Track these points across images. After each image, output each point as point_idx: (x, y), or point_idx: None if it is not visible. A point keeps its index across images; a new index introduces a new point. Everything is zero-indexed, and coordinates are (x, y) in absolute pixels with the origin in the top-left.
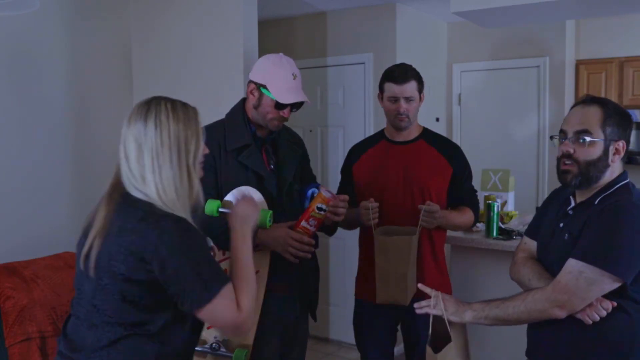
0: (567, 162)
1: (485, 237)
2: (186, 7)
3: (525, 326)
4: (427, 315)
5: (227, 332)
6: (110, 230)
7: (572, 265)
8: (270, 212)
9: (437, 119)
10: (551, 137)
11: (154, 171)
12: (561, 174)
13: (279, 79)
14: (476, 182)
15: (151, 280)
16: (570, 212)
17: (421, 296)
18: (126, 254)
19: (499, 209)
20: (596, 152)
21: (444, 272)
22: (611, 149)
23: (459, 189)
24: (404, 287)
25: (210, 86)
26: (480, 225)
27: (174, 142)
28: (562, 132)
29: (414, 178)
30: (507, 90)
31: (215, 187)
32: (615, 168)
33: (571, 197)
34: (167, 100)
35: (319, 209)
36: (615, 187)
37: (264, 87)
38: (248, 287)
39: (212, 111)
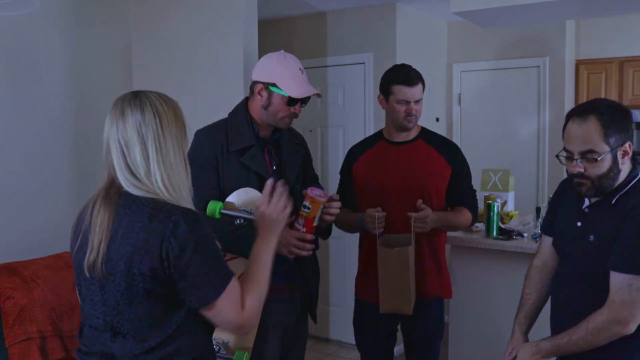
0: (579, 179)
1: (485, 237)
2: (186, 7)
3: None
4: (426, 315)
5: (228, 331)
6: (116, 234)
7: (619, 280)
8: None
9: (437, 119)
10: (557, 156)
11: (158, 161)
12: (576, 186)
13: (289, 75)
14: (476, 182)
15: (167, 275)
16: (587, 210)
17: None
18: (142, 254)
19: (499, 209)
20: (606, 165)
21: (445, 273)
22: (619, 155)
23: (458, 188)
24: (407, 296)
25: (210, 86)
26: (480, 225)
27: (173, 130)
28: (568, 152)
29: (413, 178)
30: (507, 90)
31: (217, 188)
32: (625, 168)
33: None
34: (152, 92)
35: (304, 207)
36: (629, 185)
37: (274, 85)
38: (258, 290)
39: (212, 111)
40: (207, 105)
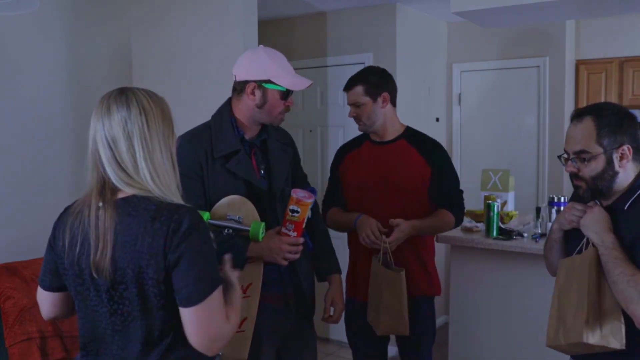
0: (577, 181)
1: (485, 237)
2: (186, 7)
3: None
4: (415, 313)
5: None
6: (117, 239)
7: None
8: (263, 224)
9: (437, 119)
10: (558, 157)
11: (145, 157)
12: (574, 189)
13: (284, 68)
14: (476, 182)
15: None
16: None
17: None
18: (148, 258)
19: (499, 209)
20: (599, 165)
21: (430, 270)
22: (615, 157)
23: (439, 189)
24: (404, 317)
25: (210, 86)
26: (480, 225)
27: (160, 127)
28: (565, 152)
29: (393, 179)
30: (507, 90)
31: (203, 197)
32: (629, 171)
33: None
34: (140, 89)
35: (292, 211)
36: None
37: (268, 82)
38: (237, 308)
39: (212, 111)
40: (206, 106)
